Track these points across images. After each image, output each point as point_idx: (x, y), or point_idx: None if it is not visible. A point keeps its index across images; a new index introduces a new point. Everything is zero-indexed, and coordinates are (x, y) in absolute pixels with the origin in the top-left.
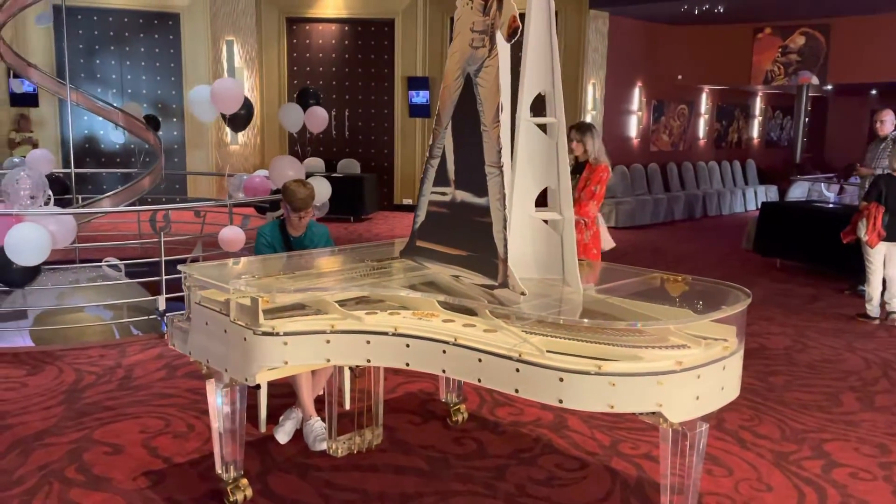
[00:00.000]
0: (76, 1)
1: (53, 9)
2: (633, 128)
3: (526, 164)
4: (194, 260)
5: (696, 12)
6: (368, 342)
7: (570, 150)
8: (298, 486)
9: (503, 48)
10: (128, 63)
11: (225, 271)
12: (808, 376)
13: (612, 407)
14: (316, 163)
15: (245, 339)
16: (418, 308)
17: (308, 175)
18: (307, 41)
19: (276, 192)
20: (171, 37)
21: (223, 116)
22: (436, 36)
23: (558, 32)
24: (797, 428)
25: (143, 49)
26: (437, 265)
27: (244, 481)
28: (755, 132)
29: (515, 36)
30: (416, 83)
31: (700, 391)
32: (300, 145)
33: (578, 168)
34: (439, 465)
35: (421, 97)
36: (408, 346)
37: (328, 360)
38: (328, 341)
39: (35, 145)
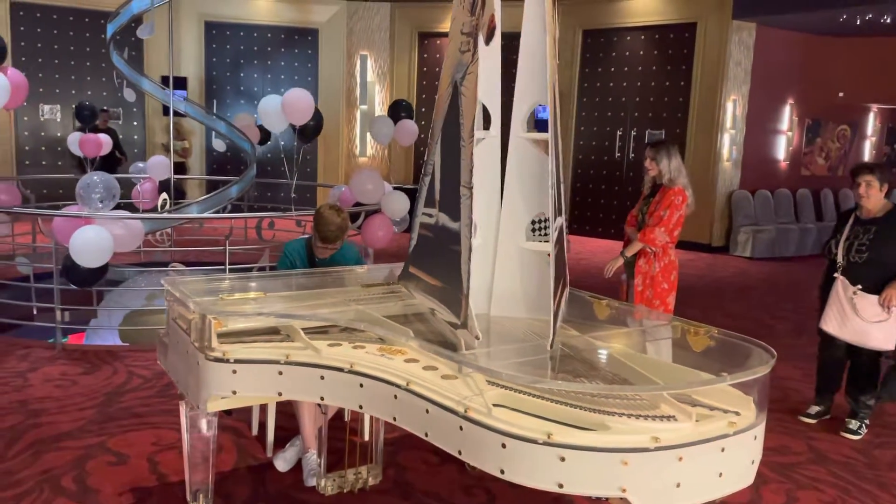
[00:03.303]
0: (224, 17)
1: (205, 25)
2: (781, 149)
3: (516, 186)
4: (260, 269)
5: (858, 22)
6: (323, 377)
7: (645, 171)
8: None
9: (489, 53)
10: (268, 76)
11: (215, 287)
12: None
13: (562, 486)
14: None
15: (198, 362)
16: (394, 343)
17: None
18: (437, 55)
19: (357, 204)
20: (309, 51)
21: (293, 127)
22: (566, 49)
23: (696, 44)
24: None
25: (283, 63)
26: (421, 295)
27: None
28: None
29: (492, 38)
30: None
31: (683, 477)
32: (389, 158)
33: (655, 191)
34: None
35: (546, 112)
36: (361, 385)
37: (280, 394)
38: (280, 373)
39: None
